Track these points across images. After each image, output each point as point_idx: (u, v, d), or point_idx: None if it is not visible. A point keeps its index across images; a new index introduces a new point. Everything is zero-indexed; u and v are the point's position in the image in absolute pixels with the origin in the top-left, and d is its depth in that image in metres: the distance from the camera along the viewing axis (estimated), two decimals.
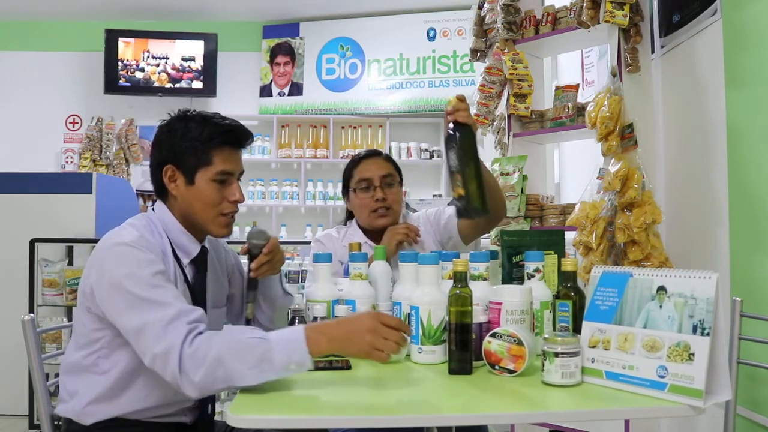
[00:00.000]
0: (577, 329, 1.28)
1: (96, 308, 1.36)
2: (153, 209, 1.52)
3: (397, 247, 1.91)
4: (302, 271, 3.60)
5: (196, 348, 1.20)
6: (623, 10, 2.11)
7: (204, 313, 1.31)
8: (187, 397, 1.23)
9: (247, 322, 1.60)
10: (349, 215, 2.13)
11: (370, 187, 1.99)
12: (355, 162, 2.06)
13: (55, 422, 1.49)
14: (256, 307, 1.64)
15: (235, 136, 1.49)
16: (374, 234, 2.01)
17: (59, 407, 1.44)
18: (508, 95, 2.56)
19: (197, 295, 1.50)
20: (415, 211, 2.17)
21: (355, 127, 5.73)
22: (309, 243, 3.94)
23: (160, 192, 1.51)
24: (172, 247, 1.47)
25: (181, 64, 5.71)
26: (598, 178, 2.20)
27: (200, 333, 1.24)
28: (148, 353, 1.24)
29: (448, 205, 1.74)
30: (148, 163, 5.94)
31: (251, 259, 1.59)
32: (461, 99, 1.61)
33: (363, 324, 1.21)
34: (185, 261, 1.49)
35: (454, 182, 1.47)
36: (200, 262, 1.53)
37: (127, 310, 1.28)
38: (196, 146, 1.45)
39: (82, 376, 1.41)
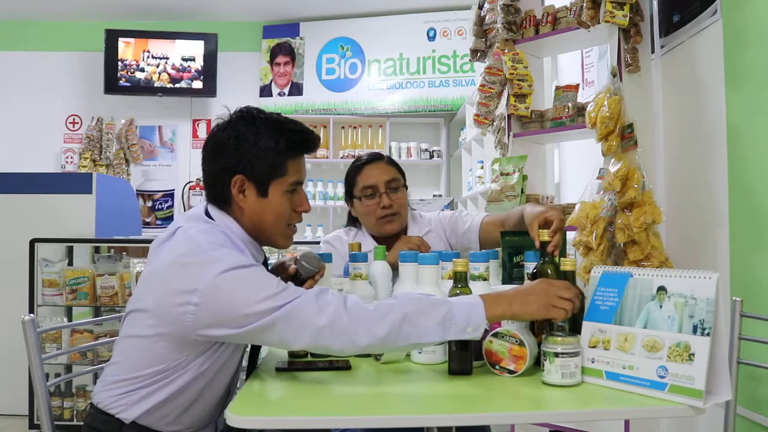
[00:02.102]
0: (575, 329, 1.28)
1: (192, 335, 1.26)
2: (209, 216, 1.41)
3: None
4: None
5: (377, 306, 1.21)
6: (623, 10, 2.11)
7: None
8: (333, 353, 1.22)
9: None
10: (353, 222, 2.10)
11: (375, 194, 1.94)
12: (358, 168, 2.00)
13: (56, 422, 1.49)
14: None
15: (312, 143, 1.43)
16: (384, 240, 1.95)
17: (96, 396, 1.39)
18: (508, 95, 2.55)
19: None
20: (414, 210, 2.15)
21: (355, 127, 5.73)
22: (308, 243, 3.94)
23: (220, 200, 1.41)
24: None
25: (181, 64, 5.71)
26: (598, 178, 2.20)
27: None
28: (307, 331, 1.20)
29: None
30: (148, 162, 5.90)
31: (294, 280, 1.50)
32: (559, 229, 1.47)
33: (537, 287, 1.25)
34: None
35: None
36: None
37: (269, 318, 1.21)
38: (272, 157, 1.37)
39: (132, 387, 1.35)
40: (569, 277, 1.31)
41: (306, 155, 1.45)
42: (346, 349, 1.21)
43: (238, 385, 1.53)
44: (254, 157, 1.37)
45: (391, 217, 1.95)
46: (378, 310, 1.21)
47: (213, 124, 1.44)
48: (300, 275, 1.53)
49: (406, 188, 2.02)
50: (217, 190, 1.40)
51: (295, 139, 1.39)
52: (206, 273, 1.23)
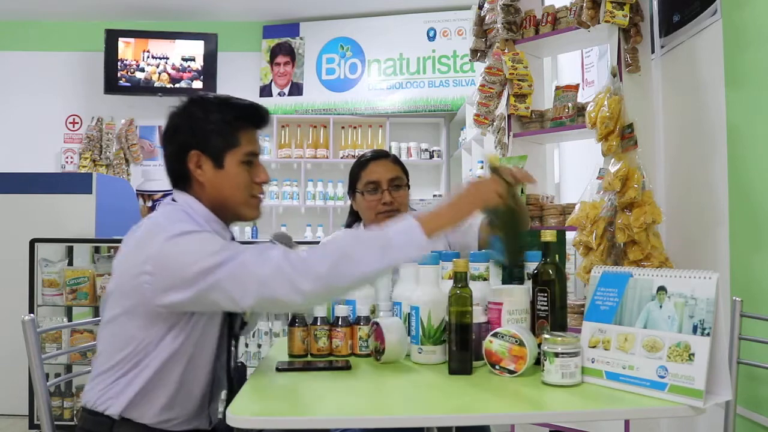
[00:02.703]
0: (512, 231, 1.31)
1: (154, 307, 1.31)
2: (173, 200, 1.46)
3: None
4: None
5: (314, 250, 1.26)
6: (623, 10, 2.11)
7: None
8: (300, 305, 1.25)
9: (243, 325, 1.54)
10: (354, 217, 2.11)
11: (377, 190, 1.97)
12: (362, 164, 2.03)
13: (56, 422, 1.49)
14: None
15: (260, 115, 1.50)
16: None
17: (85, 396, 1.42)
18: (508, 95, 2.55)
19: None
20: (415, 210, 2.15)
21: (355, 127, 5.72)
22: (308, 243, 3.94)
23: (181, 181, 1.46)
24: None
25: (181, 64, 5.71)
26: (598, 178, 2.20)
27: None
28: (252, 284, 1.24)
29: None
30: (148, 162, 5.93)
31: None
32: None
33: (467, 191, 1.32)
34: None
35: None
36: None
37: (214, 276, 1.25)
38: (223, 128, 1.43)
39: (113, 377, 1.38)
40: (499, 173, 1.33)
41: (258, 130, 1.50)
42: (292, 297, 1.23)
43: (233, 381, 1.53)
44: (207, 131, 1.42)
45: (391, 213, 1.97)
46: (316, 254, 1.25)
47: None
48: None
49: (409, 187, 2.05)
50: (177, 170, 1.45)
51: (244, 112, 1.47)
52: (156, 242, 1.30)
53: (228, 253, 1.26)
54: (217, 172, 1.43)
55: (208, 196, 1.44)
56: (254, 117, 1.48)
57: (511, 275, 1.63)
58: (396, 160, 2.07)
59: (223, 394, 1.52)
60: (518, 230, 1.34)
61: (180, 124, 1.45)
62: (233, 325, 1.48)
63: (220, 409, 1.48)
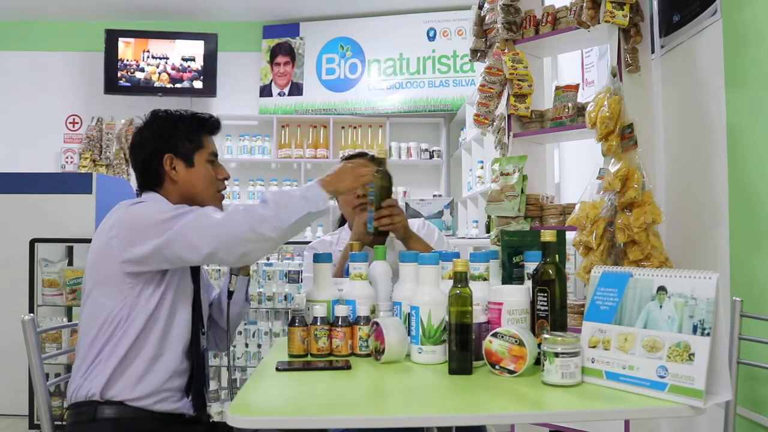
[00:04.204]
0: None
1: (121, 267, 1.46)
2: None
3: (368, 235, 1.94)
4: (302, 271, 3.61)
5: (253, 205, 1.46)
6: (623, 10, 2.11)
7: None
8: (263, 242, 1.44)
9: (230, 294, 1.72)
10: (342, 220, 2.14)
11: None
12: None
13: (56, 422, 1.50)
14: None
15: (215, 124, 1.72)
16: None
17: (69, 396, 1.49)
18: (508, 95, 2.55)
19: (196, 270, 1.63)
20: (418, 213, 2.17)
21: (355, 127, 5.72)
22: (306, 243, 3.93)
23: (152, 182, 1.65)
24: None
25: (181, 64, 5.71)
26: (598, 178, 2.20)
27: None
28: (210, 228, 1.42)
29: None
30: None
31: None
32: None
33: (342, 168, 1.59)
34: None
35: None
36: None
37: (173, 227, 1.43)
38: (190, 134, 1.65)
39: (92, 356, 1.47)
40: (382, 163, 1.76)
41: (213, 136, 1.72)
42: (248, 234, 1.41)
43: (208, 373, 1.62)
44: (176, 137, 1.64)
45: (364, 206, 2.01)
46: (258, 205, 1.46)
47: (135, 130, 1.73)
48: None
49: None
50: (151, 173, 1.65)
51: (203, 119, 1.69)
52: (118, 212, 1.53)
53: (184, 209, 1.48)
54: (189, 171, 1.64)
55: (179, 193, 1.64)
56: (211, 125, 1.70)
57: (511, 275, 1.63)
58: (373, 159, 2.09)
59: (212, 384, 1.62)
60: (379, 206, 1.82)
61: (149, 135, 1.65)
62: (200, 305, 1.62)
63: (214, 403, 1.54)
